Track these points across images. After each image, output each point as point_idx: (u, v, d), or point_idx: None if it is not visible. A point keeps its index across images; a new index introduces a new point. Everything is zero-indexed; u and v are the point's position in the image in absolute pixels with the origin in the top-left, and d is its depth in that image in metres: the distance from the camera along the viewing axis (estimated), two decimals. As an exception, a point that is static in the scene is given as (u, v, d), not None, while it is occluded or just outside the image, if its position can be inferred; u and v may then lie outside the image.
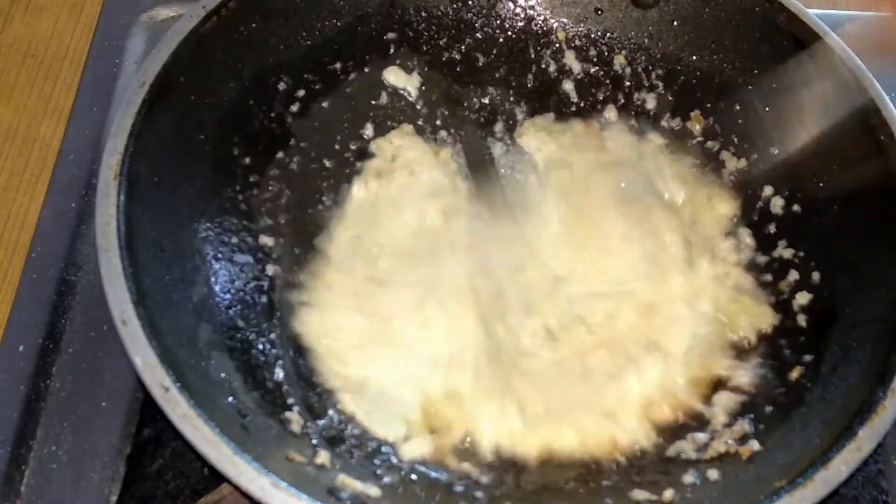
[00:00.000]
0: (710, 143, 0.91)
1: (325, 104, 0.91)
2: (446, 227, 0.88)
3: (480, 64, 0.96)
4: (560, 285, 0.85)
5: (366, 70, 0.92)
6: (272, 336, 0.78)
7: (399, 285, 0.84)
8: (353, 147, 0.92)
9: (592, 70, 0.95)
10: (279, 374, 0.76)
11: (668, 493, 0.70)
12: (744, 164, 0.89)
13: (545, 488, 0.74)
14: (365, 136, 0.92)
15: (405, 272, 0.85)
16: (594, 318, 0.83)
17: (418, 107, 0.95)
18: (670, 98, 0.93)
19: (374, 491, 0.68)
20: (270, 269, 0.82)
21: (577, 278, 0.85)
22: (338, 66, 0.91)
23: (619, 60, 0.94)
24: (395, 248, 0.86)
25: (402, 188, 0.90)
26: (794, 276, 0.82)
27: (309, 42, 0.88)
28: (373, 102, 0.94)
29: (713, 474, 0.71)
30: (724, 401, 0.78)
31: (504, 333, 0.82)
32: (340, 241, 0.87)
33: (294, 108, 0.89)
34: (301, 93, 0.89)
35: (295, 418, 0.73)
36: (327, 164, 0.90)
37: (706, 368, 0.80)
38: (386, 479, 0.71)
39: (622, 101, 0.94)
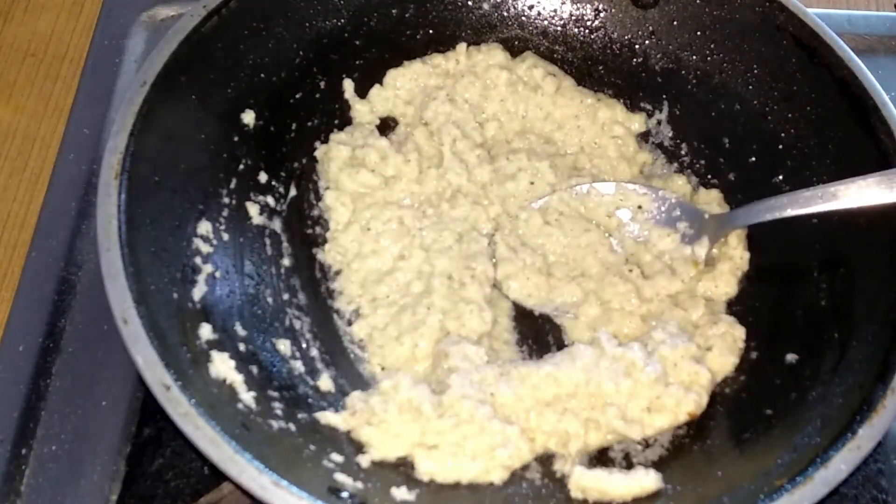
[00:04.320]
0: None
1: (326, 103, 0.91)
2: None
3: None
4: None
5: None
6: (272, 335, 0.78)
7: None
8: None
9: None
10: (279, 372, 0.76)
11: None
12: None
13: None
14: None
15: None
16: None
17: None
18: (670, 101, 0.93)
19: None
20: (270, 270, 0.82)
21: None
22: (339, 66, 0.91)
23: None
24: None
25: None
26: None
27: (309, 41, 0.88)
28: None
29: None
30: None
31: None
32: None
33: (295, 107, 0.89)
34: (302, 93, 0.89)
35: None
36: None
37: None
38: None
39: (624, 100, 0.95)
